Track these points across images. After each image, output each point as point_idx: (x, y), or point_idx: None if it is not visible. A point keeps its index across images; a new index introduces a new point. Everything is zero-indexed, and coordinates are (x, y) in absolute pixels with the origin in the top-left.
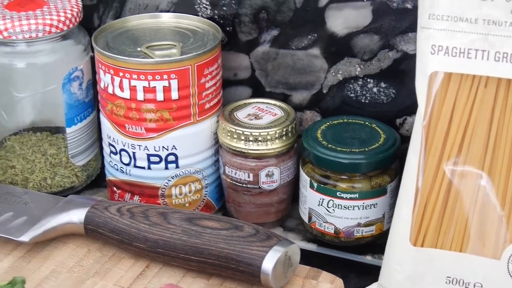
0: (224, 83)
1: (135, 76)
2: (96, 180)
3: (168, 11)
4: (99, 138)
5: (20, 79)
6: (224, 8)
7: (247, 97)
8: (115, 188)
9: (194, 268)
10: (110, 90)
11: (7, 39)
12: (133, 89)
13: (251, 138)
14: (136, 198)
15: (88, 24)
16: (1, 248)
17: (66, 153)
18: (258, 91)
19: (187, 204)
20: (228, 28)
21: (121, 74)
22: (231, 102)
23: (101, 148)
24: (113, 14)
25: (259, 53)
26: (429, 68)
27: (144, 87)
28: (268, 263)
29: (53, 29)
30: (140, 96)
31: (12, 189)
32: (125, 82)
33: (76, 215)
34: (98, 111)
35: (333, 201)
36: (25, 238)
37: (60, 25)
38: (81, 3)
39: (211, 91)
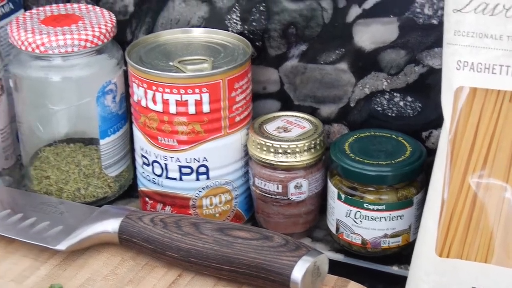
0: (254, 96)
1: (167, 90)
2: (128, 191)
3: (199, 26)
4: (132, 150)
5: (55, 92)
6: (254, 24)
7: (276, 110)
8: (147, 199)
9: (226, 277)
10: (143, 103)
11: (43, 54)
12: (165, 102)
13: (280, 151)
14: (167, 208)
15: (121, 38)
16: (38, 256)
17: (99, 164)
18: (287, 105)
19: (217, 215)
20: (257, 43)
21: (154, 88)
22: (261, 115)
23: (133, 160)
24: (145, 29)
25: (288, 67)
26: (454, 83)
27: (176, 100)
28: (298, 273)
29: (88, 44)
30: (172, 109)
31: (48, 199)
32: (158, 96)
33: (111, 225)
34: (131, 123)
35: (360, 212)
36: (62, 246)
37: (95, 40)
38: (114, 18)
39: (241, 105)
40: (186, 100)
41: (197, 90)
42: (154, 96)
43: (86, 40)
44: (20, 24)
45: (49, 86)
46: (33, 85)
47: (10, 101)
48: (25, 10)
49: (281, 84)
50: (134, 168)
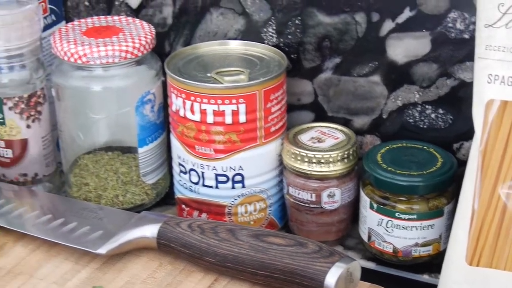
0: (288, 107)
1: (205, 100)
2: (165, 198)
3: (235, 39)
4: (168, 158)
5: (96, 101)
6: (289, 37)
7: (310, 121)
8: (183, 206)
9: (261, 282)
10: (181, 113)
11: (85, 64)
12: (203, 112)
13: (314, 160)
14: (203, 215)
15: (159, 50)
16: (79, 260)
17: (137, 171)
18: (321, 116)
19: (252, 222)
20: (292, 56)
21: (192, 98)
22: (295, 126)
23: (170, 168)
24: (183, 41)
25: (322, 80)
26: (485, 96)
27: (214, 110)
28: (331, 278)
29: (128, 55)
30: (210, 119)
31: (88, 205)
32: (196, 106)
33: (150, 230)
34: (168, 132)
35: (392, 221)
36: (102, 250)
37: (135, 51)
38: (154, 30)
39: (277, 115)
40: (223, 110)
41: (234, 101)
42: (192, 106)
43: (127, 51)
44: (63, 35)
45: (90, 95)
46: (75, 94)
47: (52, 110)
48: (67, 21)
49: (315, 95)
50: (171, 176)
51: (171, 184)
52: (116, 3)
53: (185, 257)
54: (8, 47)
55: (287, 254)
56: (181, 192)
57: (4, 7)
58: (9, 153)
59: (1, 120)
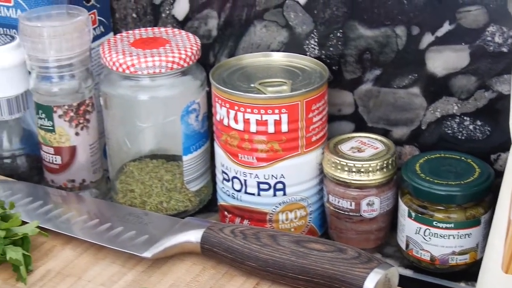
0: (329, 118)
1: (249, 110)
2: (207, 205)
3: (278, 51)
4: (212, 166)
5: (143, 110)
6: (331, 49)
7: (350, 131)
8: (226, 213)
9: (301, 287)
10: (225, 122)
11: (133, 74)
12: (246, 121)
13: (354, 170)
14: (245, 222)
15: (204, 61)
16: (125, 263)
17: (181, 179)
18: (361, 126)
19: (292, 229)
20: (334, 67)
21: (236, 107)
22: (336, 136)
23: (213, 175)
24: (227, 52)
25: (362, 91)
26: None
27: (257, 120)
28: (370, 284)
29: (175, 66)
30: (253, 128)
31: (133, 210)
32: (240, 115)
33: (194, 235)
34: (212, 141)
35: (429, 230)
36: (148, 254)
37: (181, 62)
38: (199, 42)
39: (318, 125)
40: (266, 120)
41: (276, 111)
42: (236, 115)
43: (173, 62)
44: (112, 46)
45: (137, 104)
46: (122, 103)
47: (99, 118)
48: (114, 33)
49: (356, 106)
50: (214, 183)
51: (214, 192)
52: (163, 15)
53: (228, 261)
54: (59, 57)
55: (327, 259)
56: (223, 199)
57: (56, 19)
58: (58, 159)
59: (51, 128)
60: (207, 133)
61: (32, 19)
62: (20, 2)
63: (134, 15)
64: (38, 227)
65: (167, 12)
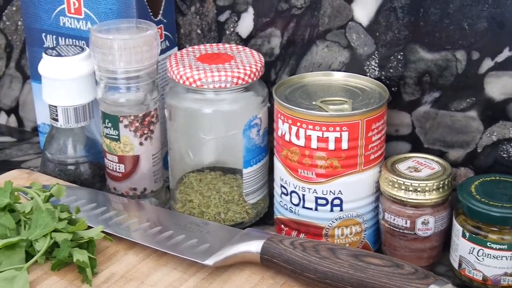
0: (387, 137)
1: (310, 127)
2: (264, 218)
3: (339, 70)
4: (269, 180)
5: (206, 123)
6: (391, 71)
7: (406, 151)
8: (283, 226)
9: None
10: (286, 137)
11: (198, 88)
12: (308, 138)
13: (410, 189)
14: (302, 236)
15: (266, 78)
16: (187, 270)
17: (239, 191)
18: (417, 147)
19: (347, 245)
20: (393, 88)
21: (298, 124)
22: (393, 155)
23: (270, 189)
24: (289, 70)
25: (420, 113)
26: None
27: (318, 136)
28: None
29: (240, 81)
30: (313, 144)
31: (194, 219)
32: (301, 132)
33: (254, 246)
34: (271, 155)
35: (483, 250)
36: (209, 262)
37: (246, 78)
38: (263, 59)
39: (376, 144)
40: (327, 137)
41: (337, 128)
42: (297, 131)
43: (238, 78)
44: (178, 60)
45: (201, 117)
46: (187, 115)
47: (162, 129)
48: (179, 48)
49: (413, 127)
50: (270, 197)
51: (270, 205)
52: (227, 32)
53: (287, 272)
54: (127, 69)
55: (384, 274)
56: (281, 212)
57: (125, 32)
58: (121, 168)
59: (116, 137)
60: (266, 147)
61: (103, 32)
62: (90, 15)
63: (198, 31)
64: (103, 231)
65: (231, 29)
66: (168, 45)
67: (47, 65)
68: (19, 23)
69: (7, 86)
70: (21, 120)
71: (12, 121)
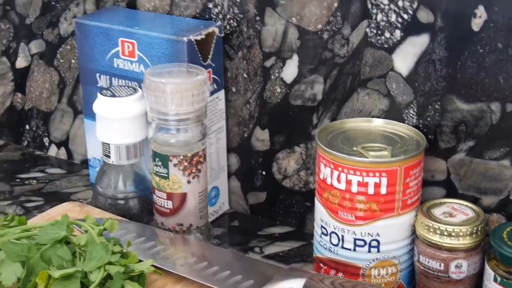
0: (423, 182)
1: (351, 172)
2: (302, 255)
3: (379, 117)
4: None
5: None
6: (428, 119)
7: (441, 196)
8: (321, 264)
9: None
10: (328, 181)
11: None
12: (348, 182)
13: (445, 233)
14: (339, 275)
15: (308, 122)
16: None
17: None
18: (452, 193)
19: (383, 285)
20: (430, 136)
21: (339, 169)
22: (429, 200)
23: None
24: (330, 115)
25: (455, 160)
26: None
27: (358, 181)
28: None
29: None
30: (354, 189)
31: (238, 255)
32: (343, 176)
33: (296, 283)
34: (312, 197)
35: None
36: None
37: None
38: None
39: (413, 189)
40: (367, 182)
41: (377, 174)
42: (339, 176)
43: None
44: None
45: None
46: None
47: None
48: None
49: (448, 174)
50: (309, 236)
51: (309, 243)
52: (272, 77)
53: None
54: (178, 112)
55: None
56: (320, 251)
57: (177, 76)
58: (169, 204)
59: (166, 175)
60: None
61: (156, 75)
62: (143, 58)
63: (245, 75)
64: (152, 265)
65: (276, 74)
66: (216, 87)
67: (102, 104)
68: (73, 61)
69: (59, 120)
70: (70, 153)
71: (62, 154)
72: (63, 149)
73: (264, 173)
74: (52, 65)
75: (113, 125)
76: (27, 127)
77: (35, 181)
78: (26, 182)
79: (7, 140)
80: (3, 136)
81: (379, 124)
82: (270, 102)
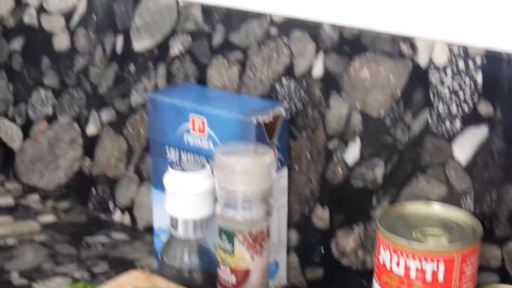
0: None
1: (410, 257)
2: None
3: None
4: None
5: None
6: (485, 207)
7: (496, 282)
8: None
9: None
10: (387, 265)
11: None
12: (407, 268)
13: None
14: None
15: (368, 204)
16: None
17: None
18: (506, 279)
19: None
20: (486, 223)
21: (398, 253)
22: (483, 285)
23: None
24: (389, 199)
25: (510, 248)
26: None
27: (416, 267)
28: None
29: None
30: (412, 275)
31: None
32: (402, 261)
33: None
34: (370, 278)
35: None
36: None
37: None
38: None
39: (469, 277)
40: (425, 269)
41: (435, 260)
42: (398, 260)
43: None
44: None
45: None
46: None
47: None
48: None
49: (502, 261)
50: None
51: None
52: (334, 158)
53: None
54: (245, 191)
55: None
56: None
57: (245, 155)
58: (233, 279)
59: (231, 250)
60: None
61: (226, 154)
62: (213, 136)
63: (308, 154)
64: None
65: (339, 156)
66: (280, 166)
67: (172, 179)
68: (141, 130)
69: (125, 187)
70: (134, 219)
71: (126, 219)
72: (127, 214)
73: (322, 250)
74: (121, 134)
75: (183, 199)
76: (94, 191)
77: (100, 245)
78: (93, 246)
79: (73, 203)
80: (69, 198)
81: (437, 209)
82: (332, 182)
